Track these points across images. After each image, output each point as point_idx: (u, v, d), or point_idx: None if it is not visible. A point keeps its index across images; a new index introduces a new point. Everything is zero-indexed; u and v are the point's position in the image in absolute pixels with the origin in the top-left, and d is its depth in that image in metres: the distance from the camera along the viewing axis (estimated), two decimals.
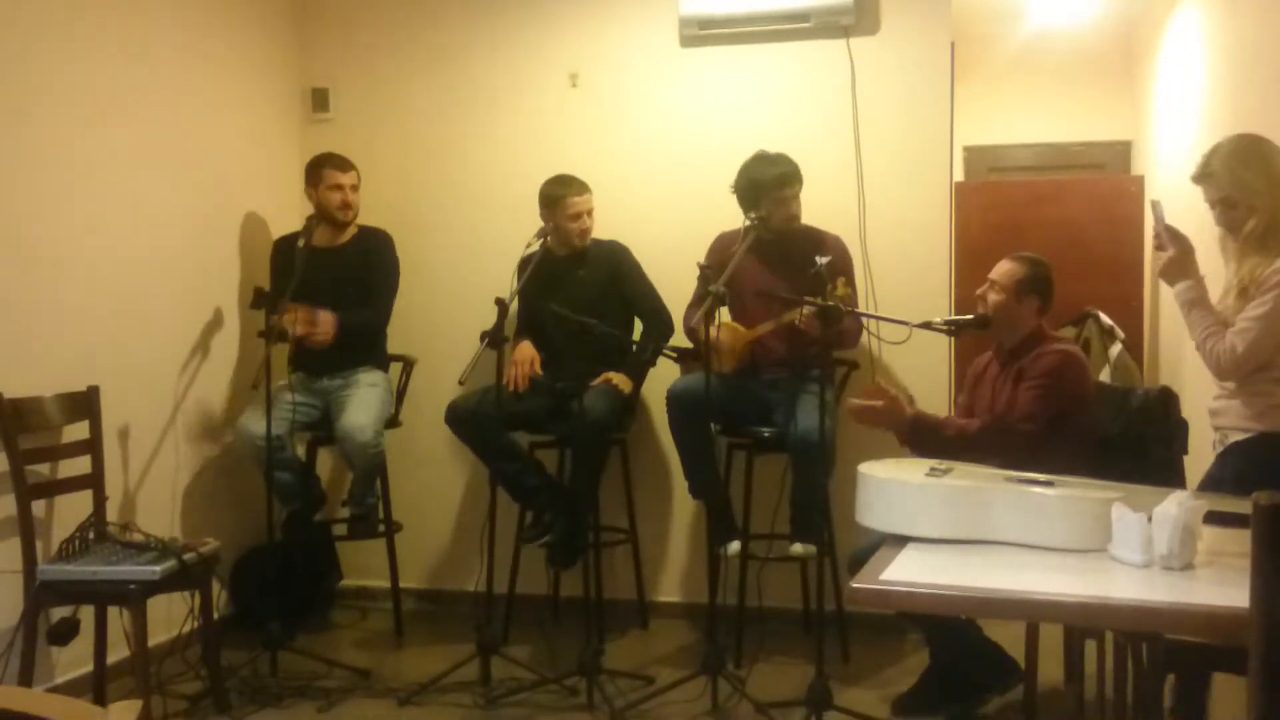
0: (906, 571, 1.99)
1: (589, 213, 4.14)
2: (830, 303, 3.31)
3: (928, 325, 3.42)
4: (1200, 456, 3.05)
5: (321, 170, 4.25)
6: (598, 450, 4.01)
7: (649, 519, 4.46)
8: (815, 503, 3.68)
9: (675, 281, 4.16)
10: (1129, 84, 5.91)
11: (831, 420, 3.61)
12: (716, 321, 3.55)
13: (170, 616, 3.60)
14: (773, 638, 4.02)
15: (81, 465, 3.50)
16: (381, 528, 4.30)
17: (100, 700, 3.38)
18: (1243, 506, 2.13)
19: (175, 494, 4.11)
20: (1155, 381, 4.89)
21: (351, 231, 4.34)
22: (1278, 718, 1.49)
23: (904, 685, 3.55)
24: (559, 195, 4.08)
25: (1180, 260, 2.80)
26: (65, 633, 3.36)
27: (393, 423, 4.34)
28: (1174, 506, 1.95)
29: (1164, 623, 1.89)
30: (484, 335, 3.57)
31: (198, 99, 4.21)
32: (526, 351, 4.11)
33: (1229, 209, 2.79)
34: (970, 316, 3.44)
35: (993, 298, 3.38)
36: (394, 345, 4.45)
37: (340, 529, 4.36)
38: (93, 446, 3.52)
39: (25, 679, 3.21)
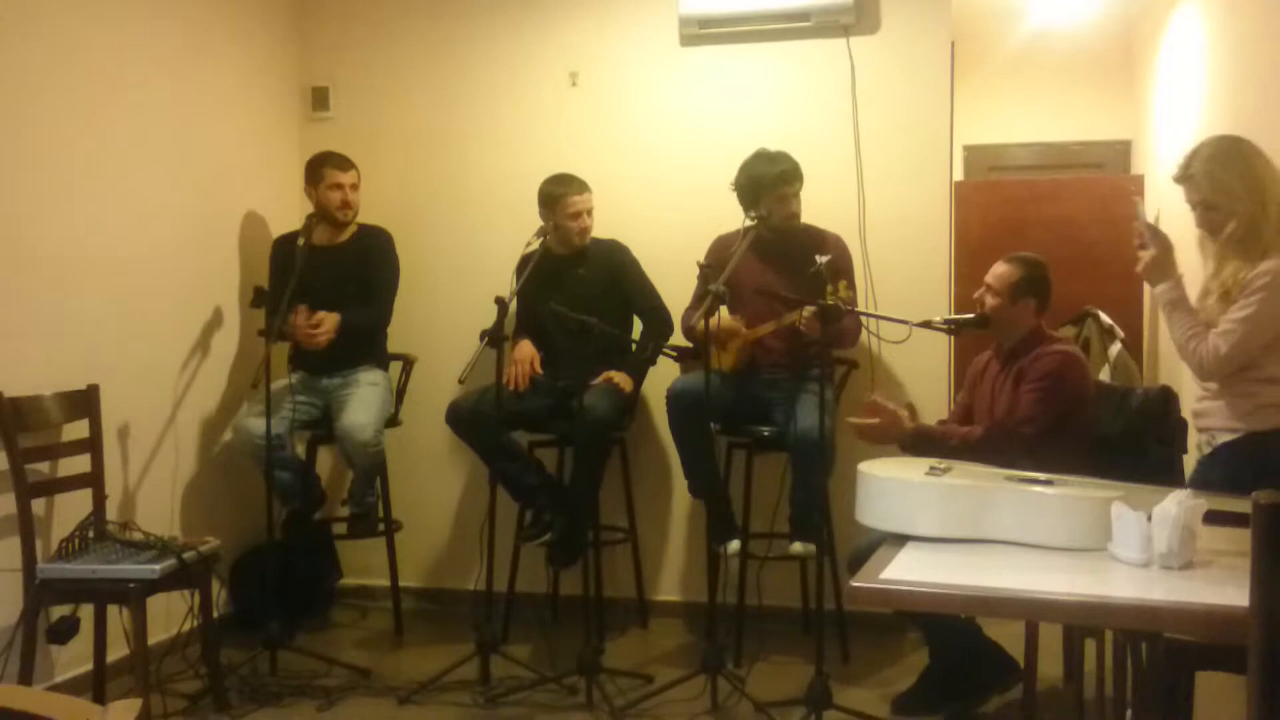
0: (906, 570, 1.99)
1: (588, 212, 4.14)
2: (830, 302, 3.31)
3: (927, 324, 3.43)
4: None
5: (322, 169, 4.24)
6: (599, 449, 4.01)
7: (649, 518, 4.46)
8: (815, 502, 3.68)
9: (675, 280, 4.16)
10: (1129, 83, 5.91)
11: (831, 419, 3.61)
12: (718, 316, 3.56)
13: (170, 615, 3.61)
14: (772, 637, 4.02)
15: (81, 464, 3.50)
16: (381, 527, 4.30)
17: (100, 699, 3.38)
18: (1242, 505, 2.14)
19: (175, 493, 4.11)
20: (1155, 381, 4.89)
21: (351, 230, 4.33)
22: (1277, 716, 1.49)
23: (904, 684, 3.55)
24: (559, 194, 4.08)
25: (1161, 259, 2.81)
26: (65, 631, 3.36)
27: (393, 422, 4.34)
28: (1173, 505, 1.95)
29: (1163, 622, 1.89)
30: (484, 334, 3.57)
31: (198, 97, 4.21)
32: (526, 350, 4.11)
33: (1208, 211, 2.80)
34: (970, 316, 3.45)
35: (989, 301, 3.38)
36: (394, 344, 4.45)
37: (340, 528, 4.36)
38: (92, 445, 3.52)
39: (25, 677, 3.21)
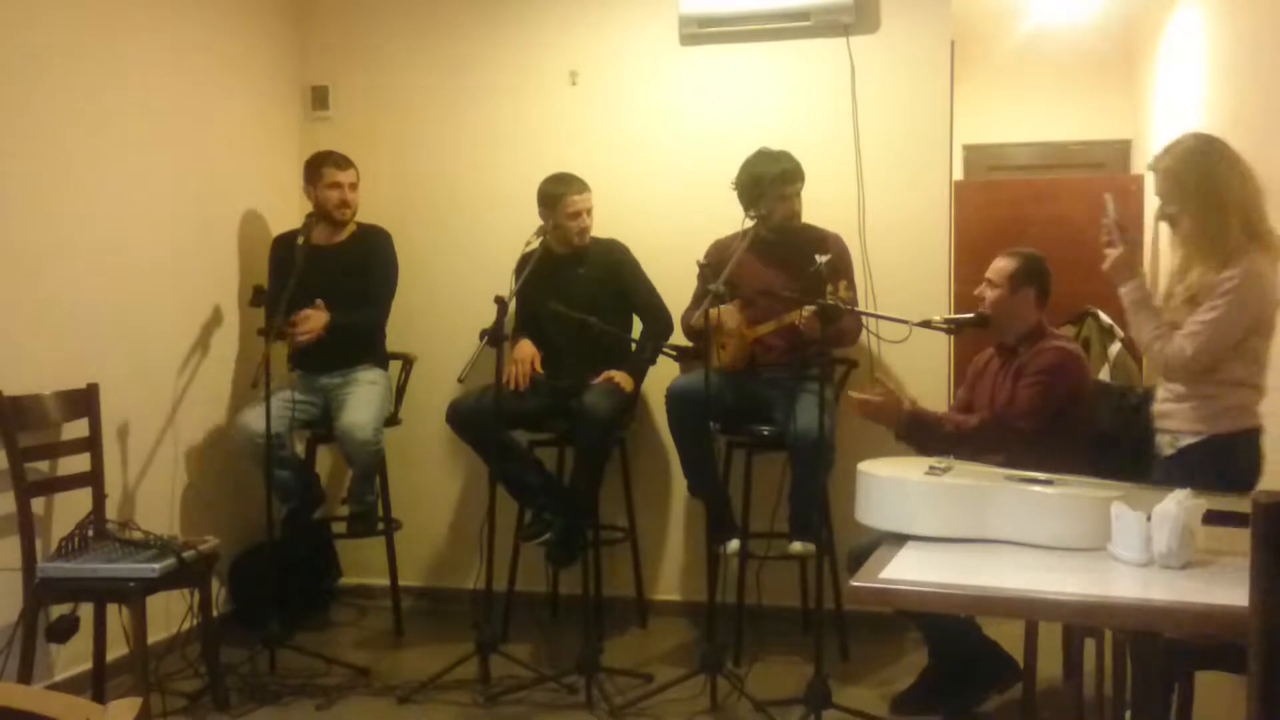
0: (906, 570, 1.99)
1: (588, 211, 4.13)
2: (830, 302, 3.31)
3: (927, 324, 3.43)
4: None
5: (320, 168, 4.24)
6: (599, 449, 4.00)
7: (648, 517, 4.46)
8: (814, 501, 3.68)
9: (674, 280, 4.16)
10: (1129, 83, 5.91)
11: (831, 419, 3.62)
12: (718, 311, 3.56)
13: (169, 614, 3.60)
14: (772, 636, 4.02)
15: (81, 463, 3.50)
16: (380, 526, 4.30)
17: (99, 698, 3.37)
18: (1237, 504, 2.14)
19: (174, 492, 4.11)
20: (1154, 381, 4.89)
21: (350, 230, 4.33)
22: (1277, 715, 1.49)
23: (903, 683, 3.55)
24: (558, 194, 4.08)
25: (1128, 258, 2.82)
26: (64, 630, 3.35)
27: (392, 421, 4.34)
28: (1173, 505, 1.95)
29: (1163, 621, 1.89)
30: (484, 333, 3.57)
31: (197, 97, 4.21)
32: (526, 350, 4.11)
33: (1164, 205, 2.82)
34: (970, 315, 3.46)
35: (990, 294, 3.42)
36: (393, 343, 4.45)
37: (339, 527, 4.36)
38: (92, 444, 3.52)
39: (25, 676, 3.21)
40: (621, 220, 4.32)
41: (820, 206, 4.04)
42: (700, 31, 4.39)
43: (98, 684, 3.41)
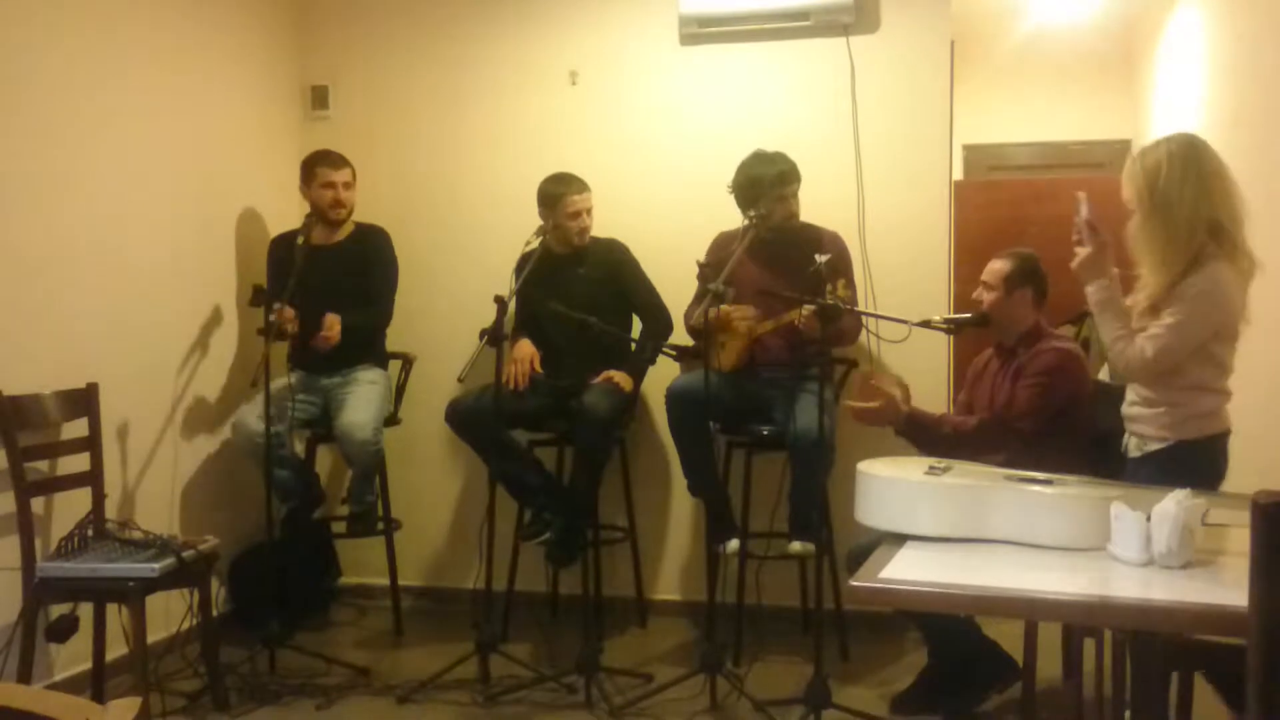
0: (905, 570, 1.99)
1: (588, 211, 4.13)
2: (829, 301, 3.31)
3: (927, 324, 3.43)
4: None
5: (314, 168, 4.24)
6: (599, 448, 4.00)
7: (648, 517, 4.46)
8: (814, 501, 3.68)
9: (674, 279, 4.16)
10: (1129, 83, 5.91)
11: (830, 418, 3.62)
12: (718, 310, 3.57)
13: (169, 614, 3.61)
14: (771, 636, 4.02)
15: (80, 462, 3.50)
16: (380, 526, 4.30)
17: (99, 697, 3.37)
18: (1236, 504, 2.14)
19: (174, 491, 4.11)
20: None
21: (348, 229, 4.33)
22: (1276, 715, 1.49)
23: (903, 683, 3.55)
24: (558, 193, 4.08)
25: (1095, 258, 2.82)
26: (64, 630, 3.35)
27: (392, 420, 4.34)
28: (1173, 505, 1.95)
29: (1163, 621, 1.89)
30: (483, 333, 3.57)
31: (197, 96, 4.21)
32: (526, 349, 4.11)
33: (1126, 200, 2.82)
34: (969, 315, 3.47)
35: (986, 297, 3.42)
36: (393, 343, 4.45)
37: (339, 527, 4.36)
38: (92, 444, 3.52)
39: (24, 676, 3.21)
40: (621, 220, 4.32)
41: (820, 206, 4.04)
42: (700, 31, 4.39)
43: (97, 684, 3.41)
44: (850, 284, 3.58)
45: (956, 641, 3.36)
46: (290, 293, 3.86)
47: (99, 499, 3.49)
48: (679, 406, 3.86)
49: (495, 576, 3.83)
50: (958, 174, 5.64)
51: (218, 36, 4.34)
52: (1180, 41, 4.84)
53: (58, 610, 3.38)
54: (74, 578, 3.21)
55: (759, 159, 3.90)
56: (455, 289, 4.57)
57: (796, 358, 3.84)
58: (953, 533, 2.17)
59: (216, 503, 4.28)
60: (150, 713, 3.31)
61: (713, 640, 3.54)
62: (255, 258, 4.44)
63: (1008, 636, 3.35)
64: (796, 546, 3.74)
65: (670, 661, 3.92)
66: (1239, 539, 2.05)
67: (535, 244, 3.99)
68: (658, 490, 4.49)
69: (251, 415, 3.97)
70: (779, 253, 3.90)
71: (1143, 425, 2.84)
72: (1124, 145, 5.98)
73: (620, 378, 4.02)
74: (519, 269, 4.11)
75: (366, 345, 4.29)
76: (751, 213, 3.86)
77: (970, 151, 6.16)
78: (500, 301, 3.58)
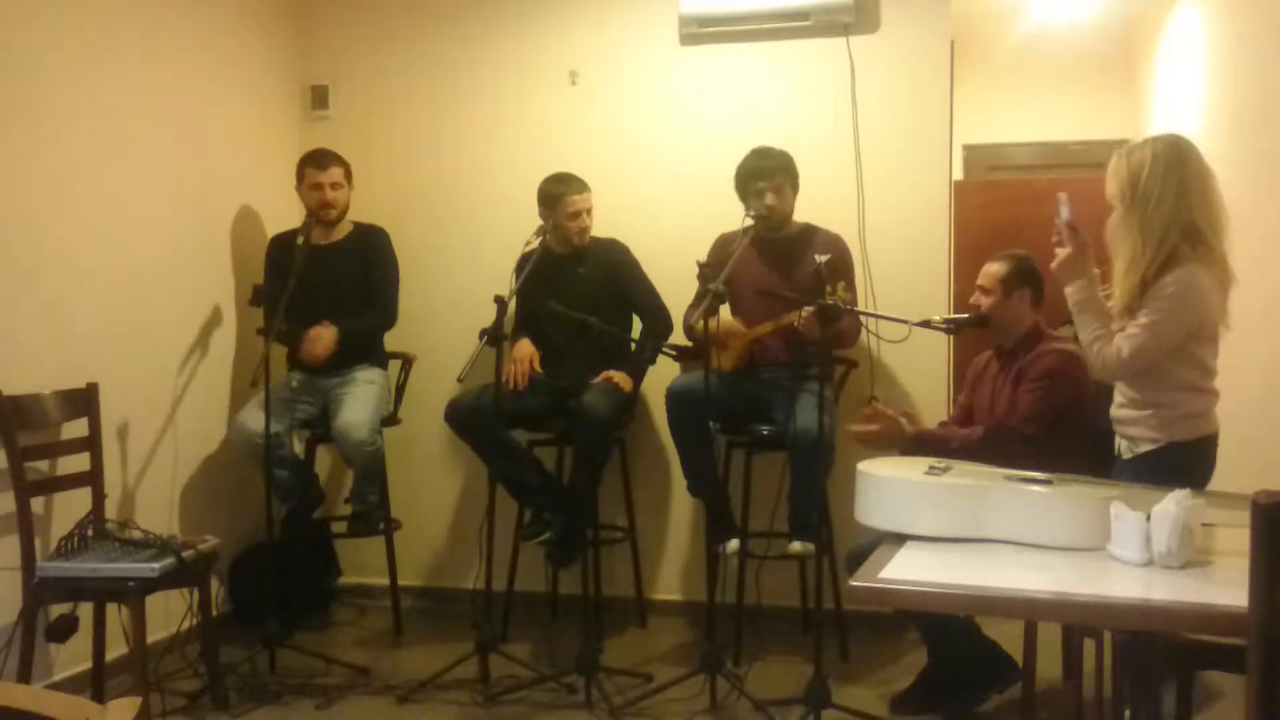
0: (905, 570, 1.99)
1: (588, 211, 4.13)
2: (830, 302, 3.31)
3: (926, 324, 3.43)
4: None
5: (304, 169, 4.23)
6: (598, 448, 4.00)
7: (648, 517, 4.46)
8: (814, 501, 3.68)
9: (674, 279, 4.16)
10: (1129, 82, 5.91)
11: (830, 419, 3.62)
12: (717, 318, 3.56)
13: (169, 614, 3.60)
14: (771, 636, 4.02)
15: (80, 462, 3.50)
16: (380, 526, 4.30)
17: (99, 697, 3.37)
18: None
19: (174, 491, 4.11)
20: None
21: (347, 229, 4.32)
22: (1276, 715, 1.49)
23: (902, 683, 3.55)
24: (558, 193, 4.08)
25: (1074, 258, 2.82)
26: (64, 630, 3.35)
27: (392, 420, 4.34)
28: (1173, 505, 1.95)
29: (1163, 621, 1.89)
30: (483, 333, 3.57)
31: (197, 96, 4.21)
32: (526, 349, 4.11)
33: (1110, 199, 2.82)
34: (969, 315, 3.46)
35: (985, 300, 3.42)
36: (393, 343, 4.44)
37: (340, 527, 4.36)
38: (91, 443, 3.52)
39: (24, 676, 3.20)
40: (621, 220, 4.32)
41: (820, 206, 4.04)
42: (700, 31, 4.39)
43: (97, 684, 3.41)
44: (850, 286, 3.58)
45: (956, 641, 3.36)
46: (290, 293, 3.86)
47: (99, 499, 3.49)
48: (679, 406, 3.85)
49: (495, 576, 3.83)
50: (958, 174, 5.64)
51: (217, 36, 4.34)
52: (1180, 41, 4.84)
53: (58, 610, 3.38)
54: (74, 578, 3.21)
55: (752, 153, 3.92)
56: (455, 289, 4.57)
57: (796, 358, 3.84)
58: (952, 533, 2.17)
59: (216, 503, 4.28)
60: (150, 713, 3.31)
61: (713, 640, 3.54)
62: (255, 258, 4.44)
63: (1008, 636, 3.34)
64: (796, 546, 3.74)
65: (670, 661, 3.92)
66: (1232, 539, 2.05)
67: (535, 244, 3.99)
68: (658, 490, 4.49)
69: (250, 416, 3.97)
70: (780, 253, 3.90)
71: (1132, 427, 2.84)
72: (1125, 145, 5.97)
73: (620, 378, 4.02)
74: (519, 269, 4.11)
75: (366, 345, 4.29)
76: (750, 211, 3.86)
77: (970, 151, 6.16)
78: (500, 301, 3.58)
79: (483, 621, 3.71)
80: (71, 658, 3.51)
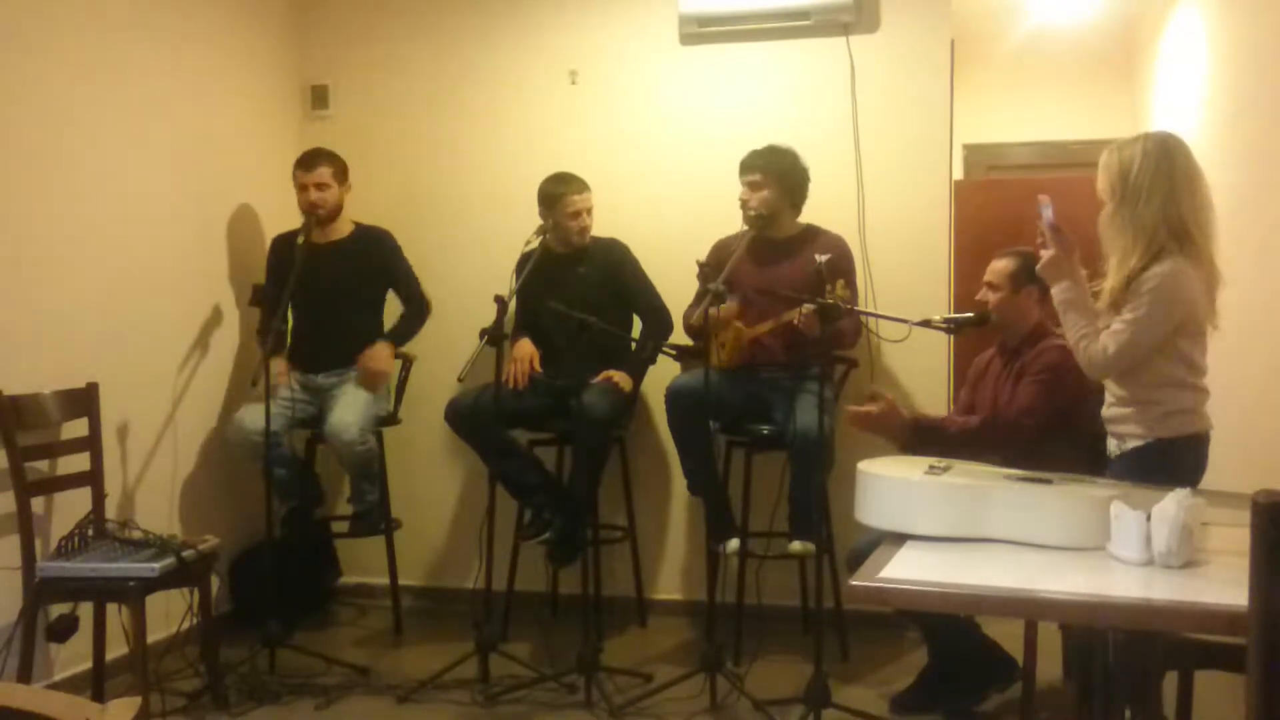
0: (905, 569, 1.99)
1: (588, 211, 4.13)
2: (829, 301, 3.31)
3: (927, 323, 3.43)
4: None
5: (294, 171, 4.23)
6: (598, 448, 4.00)
7: (648, 516, 4.46)
8: (814, 500, 3.68)
9: (674, 279, 4.16)
10: (1129, 81, 5.91)
11: (830, 418, 3.61)
12: (718, 309, 3.56)
13: (169, 613, 3.60)
14: (771, 635, 4.02)
15: (80, 462, 3.50)
16: (381, 525, 4.30)
17: (99, 697, 3.37)
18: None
19: (174, 491, 4.11)
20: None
21: (347, 229, 4.31)
22: (1276, 715, 1.49)
23: (902, 683, 3.55)
24: (558, 193, 4.08)
25: (1060, 260, 2.82)
26: (64, 630, 3.36)
27: (392, 420, 4.34)
28: (1173, 504, 1.95)
29: (1163, 621, 1.89)
30: (483, 333, 3.57)
31: (197, 96, 4.21)
32: (526, 349, 4.11)
33: (1101, 195, 2.82)
34: (969, 315, 3.46)
35: (992, 297, 3.42)
36: None
37: (340, 526, 4.36)
38: (92, 443, 3.52)
39: (24, 676, 3.20)
40: (621, 220, 4.32)
41: (820, 206, 4.03)
42: (700, 31, 4.39)
43: (97, 683, 3.41)
44: (850, 285, 3.58)
45: (956, 641, 3.36)
46: (290, 293, 3.86)
47: (99, 499, 3.49)
48: (679, 406, 3.85)
49: (495, 576, 3.83)
50: (958, 173, 5.64)
51: (218, 36, 4.34)
52: (1180, 41, 4.84)
53: (58, 610, 3.39)
54: (74, 577, 3.21)
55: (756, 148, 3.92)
56: (455, 288, 4.57)
57: (796, 358, 3.84)
58: (953, 532, 2.17)
59: (216, 502, 4.28)
60: (150, 712, 3.31)
61: (713, 640, 3.54)
62: (255, 257, 4.44)
63: (1008, 636, 3.34)
64: (796, 546, 3.73)
65: (670, 661, 3.92)
66: (1232, 538, 2.05)
67: (535, 243, 3.99)
68: (658, 490, 4.49)
69: (248, 414, 3.97)
70: (780, 253, 3.90)
71: (1120, 425, 2.84)
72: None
73: (620, 377, 4.02)
74: (519, 268, 4.11)
75: (365, 344, 4.28)
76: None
77: (970, 151, 6.16)
78: (500, 301, 3.58)
79: (483, 621, 3.71)
80: (71, 658, 3.51)
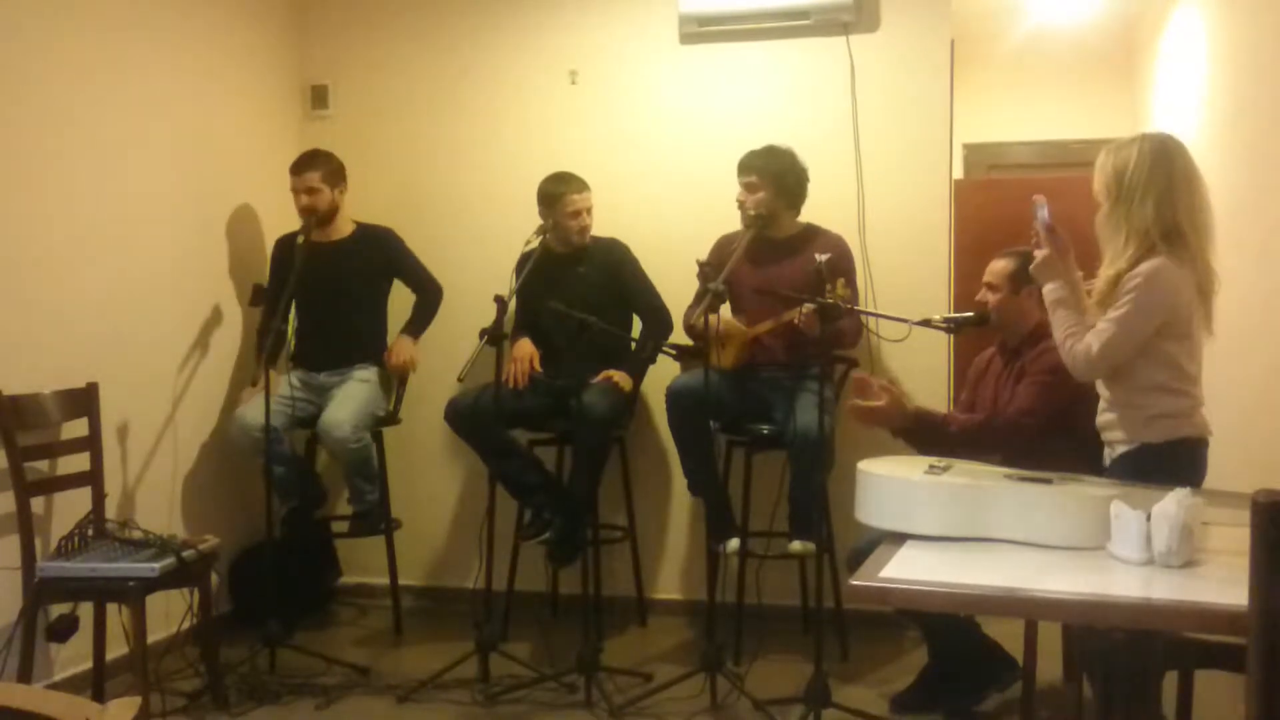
0: (905, 569, 1.99)
1: (588, 210, 4.13)
2: (829, 300, 3.31)
3: (927, 323, 3.43)
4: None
5: (290, 175, 4.24)
6: (598, 448, 4.00)
7: (648, 516, 4.46)
8: (814, 500, 3.67)
9: (674, 279, 4.16)
10: (1129, 81, 5.90)
11: (830, 418, 3.61)
12: (718, 316, 3.56)
13: (169, 613, 3.60)
14: (771, 635, 4.02)
15: (80, 462, 3.50)
16: (381, 525, 4.30)
17: (99, 697, 3.37)
18: (1236, 503, 2.13)
19: (174, 491, 4.11)
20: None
21: (348, 228, 4.32)
22: (1276, 715, 1.48)
23: (903, 683, 3.55)
24: (558, 193, 4.08)
25: (1052, 260, 2.81)
26: (64, 630, 3.36)
27: (392, 420, 4.34)
28: (1173, 504, 1.95)
29: (1163, 620, 1.89)
30: (483, 332, 3.57)
31: (197, 95, 4.21)
32: (526, 349, 4.11)
33: (1097, 195, 2.81)
34: (969, 314, 3.46)
35: (992, 298, 3.41)
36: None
37: (340, 526, 4.36)
38: (91, 443, 3.52)
39: (24, 676, 3.20)
40: (621, 219, 4.32)
41: (820, 206, 4.03)
42: (700, 30, 4.38)
43: (97, 683, 3.41)
44: (851, 284, 3.58)
45: (956, 641, 3.36)
46: (291, 292, 3.86)
47: (99, 499, 3.49)
48: (679, 406, 3.85)
49: (495, 576, 3.84)
50: (958, 173, 5.64)
51: (218, 36, 4.34)
52: (1180, 41, 4.84)
53: (58, 610, 3.39)
54: (74, 577, 3.21)
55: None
56: (455, 288, 4.56)
57: (796, 357, 3.84)
58: (953, 532, 2.17)
59: (217, 502, 4.28)
60: (150, 712, 3.31)
61: (713, 639, 3.54)
62: (255, 257, 4.44)
63: (1008, 636, 3.34)
64: (796, 546, 3.74)
65: (670, 661, 3.92)
66: (1232, 538, 2.05)
67: (535, 243, 3.99)
68: (658, 490, 4.49)
69: (250, 410, 3.97)
70: (780, 253, 3.90)
71: (1109, 431, 2.83)
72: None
73: (620, 377, 4.02)
74: (519, 268, 4.11)
75: (367, 344, 4.29)
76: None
77: (970, 150, 6.16)
78: (500, 301, 3.58)
79: (483, 621, 3.71)
80: (71, 658, 3.52)
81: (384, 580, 4.40)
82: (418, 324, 4.33)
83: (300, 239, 4.02)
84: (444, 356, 4.39)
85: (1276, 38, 3.52)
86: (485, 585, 3.78)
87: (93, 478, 3.51)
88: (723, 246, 3.99)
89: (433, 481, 4.69)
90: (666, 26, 4.43)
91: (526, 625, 4.23)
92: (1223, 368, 2.96)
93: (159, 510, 3.99)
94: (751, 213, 3.87)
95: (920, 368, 4.23)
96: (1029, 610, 2.27)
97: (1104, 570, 1.98)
